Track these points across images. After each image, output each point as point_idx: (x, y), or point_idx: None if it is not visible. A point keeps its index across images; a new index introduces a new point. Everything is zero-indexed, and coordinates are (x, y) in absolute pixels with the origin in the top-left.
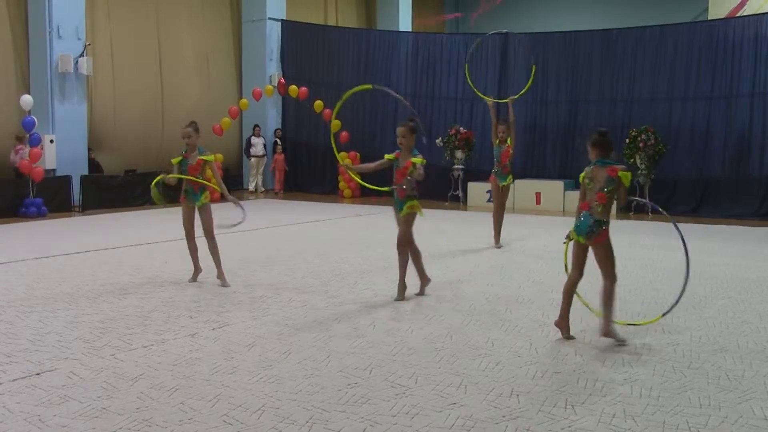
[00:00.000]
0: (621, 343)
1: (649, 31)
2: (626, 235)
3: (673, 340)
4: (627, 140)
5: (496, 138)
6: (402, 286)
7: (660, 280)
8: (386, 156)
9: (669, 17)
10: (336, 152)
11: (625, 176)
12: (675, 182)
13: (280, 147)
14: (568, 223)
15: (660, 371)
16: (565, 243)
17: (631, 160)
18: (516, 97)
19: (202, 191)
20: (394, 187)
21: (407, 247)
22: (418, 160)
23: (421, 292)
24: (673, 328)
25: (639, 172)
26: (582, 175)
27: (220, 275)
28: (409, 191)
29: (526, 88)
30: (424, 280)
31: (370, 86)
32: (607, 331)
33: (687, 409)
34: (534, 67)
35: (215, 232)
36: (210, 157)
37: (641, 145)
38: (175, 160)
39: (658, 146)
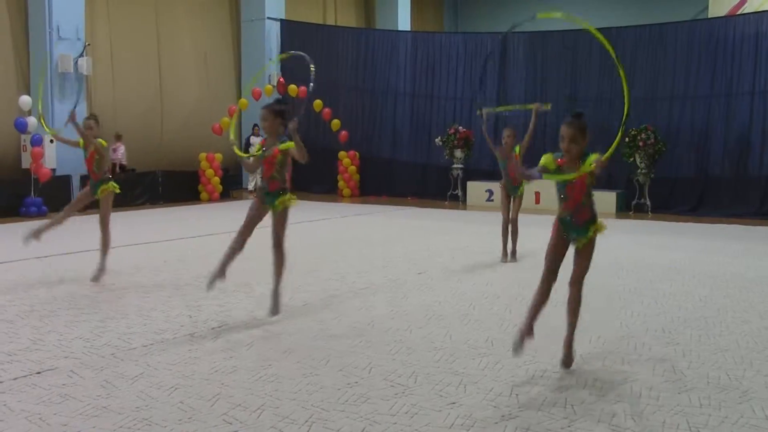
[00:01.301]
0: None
1: (649, 30)
2: (625, 235)
3: (673, 339)
4: (627, 139)
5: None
6: (276, 298)
7: (659, 279)
8: (255, 150)
9: (669, 16)
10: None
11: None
12: (675, 181)
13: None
14: None
15: (660, 371)
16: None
17: (631, 159)
18: (545, 106)
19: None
20: (263, 178)
21: (282, 250)
22: (286, 145)
23: (213, 281)
24: (674, 328)
25: (639, 171)
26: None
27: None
28: (281, 183)
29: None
30: (221, 275)
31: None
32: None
33: (687, 408)
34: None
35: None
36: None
37: (641, 144)
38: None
39: (658, 145)
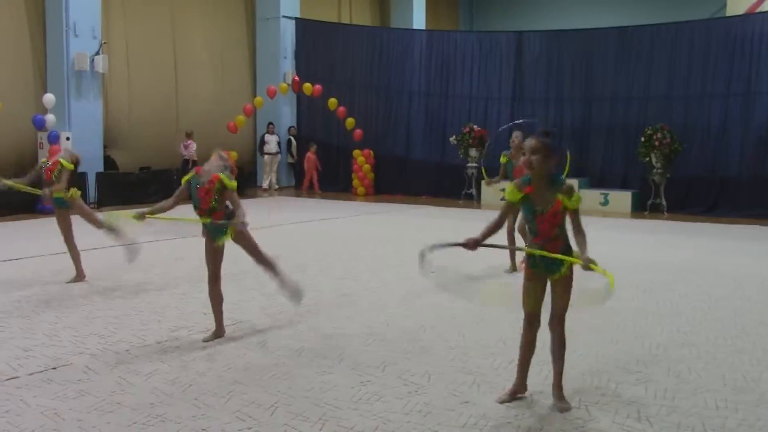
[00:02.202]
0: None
1: (665, 29)
2: (640, 235)
3: (689, 340)
4: (642, 139)
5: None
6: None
7: (675, 279)
8: (183, 179)
9: (685, 14)
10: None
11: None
12: (691, 181)
13: (314, 146)
14: (582, 222)
15: (675, 372)
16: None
17: (647, 159)
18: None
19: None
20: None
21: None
22: (227, 180)
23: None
24: (689, 329)
25: (654, 170)
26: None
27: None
28: (228, 213)
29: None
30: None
31: None
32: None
33: (703, 411)
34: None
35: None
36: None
37: (656, 143)
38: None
39: (674, 145)
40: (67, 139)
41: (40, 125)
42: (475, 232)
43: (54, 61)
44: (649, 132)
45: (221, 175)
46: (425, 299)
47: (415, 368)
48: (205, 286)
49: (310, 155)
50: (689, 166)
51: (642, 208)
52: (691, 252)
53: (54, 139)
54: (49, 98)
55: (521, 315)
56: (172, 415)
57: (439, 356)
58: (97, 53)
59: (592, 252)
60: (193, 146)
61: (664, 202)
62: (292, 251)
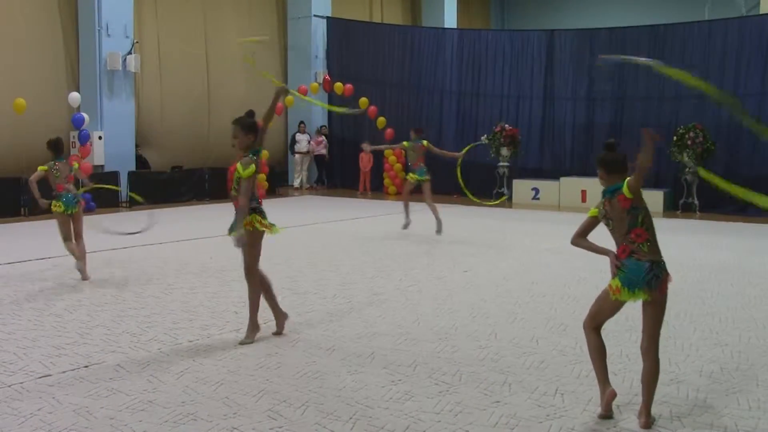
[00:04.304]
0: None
1: (698, 27)
2: (672, 234)
3: (721, 340)
4: (674, 138)
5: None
6: (253, 325)
7: (707, 279)
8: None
9: (719, 12)
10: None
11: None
12: (724, 180)
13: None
14: None
15: (707, 372)
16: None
17: (679, 158)
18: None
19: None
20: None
21: (254, 278)
22: (241, 169)
23: (279, 331)
24: (722, 329)
25: (687, 170)
26: (593, 211)
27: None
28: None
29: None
30: (280, 317)
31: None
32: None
33: (735, 411)
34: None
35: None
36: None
37: (689, 142)
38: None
39: (707, 144)
40: (100, 138)
41: (78, 124)
42: (508, 231)
43: (87, 60)
44: (681, 131)
45: (238, 165)
46: (457, 298)
47: (447, 367)
48: (236, 285)
49: (364, 155)
50: (722, 166)
51: (674, 207)
52: (724, 252)
53: (84, 138)
54: (74, 97)
55: (554, 315)
56: (203, 413)
57: (470, 355)
58: (130, 53)
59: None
60: (325, 142)
61: (696, 202)
62: (324, 250)
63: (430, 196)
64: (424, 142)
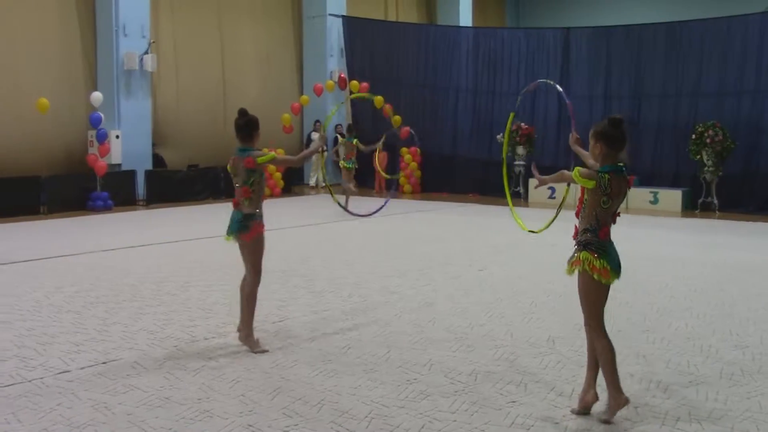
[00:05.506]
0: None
1: (716, 23)
2: (691, 234)
3: (742, 342)
4: (693, 136)
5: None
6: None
7: (727, 280)
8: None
9: (737, 8)
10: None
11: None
12: (743, 179)
13: (380, 145)
14: (629, 221)
15: (727, 374)
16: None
17: (698, 157)
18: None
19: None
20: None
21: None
22: (260, 156)
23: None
24: (742, 331)
25: (706, 168)
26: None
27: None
28: (245, 207)
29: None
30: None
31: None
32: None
33: (756, 414)
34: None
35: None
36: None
37: (708, 141)
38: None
39: (726, 142)
40: (117, 137)
41: (97, 123)
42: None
43: (104, 60)
44: (700, 129)
45: (256, 157)
46: (472, 297)
47: (462, 367)
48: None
49: (380, 155)
50: (742, 164)
51: (693, 206)
52: (744, 252)
53: (102, 137)
54: (96, 96)
55: (571, 314)
56: (219, 410)
57: (486, 355)
58: (146, 52)
59: (642, 251)
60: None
61: (715, 201)
62: (338, 249)
63: (350, 180)
64: (354, 141)
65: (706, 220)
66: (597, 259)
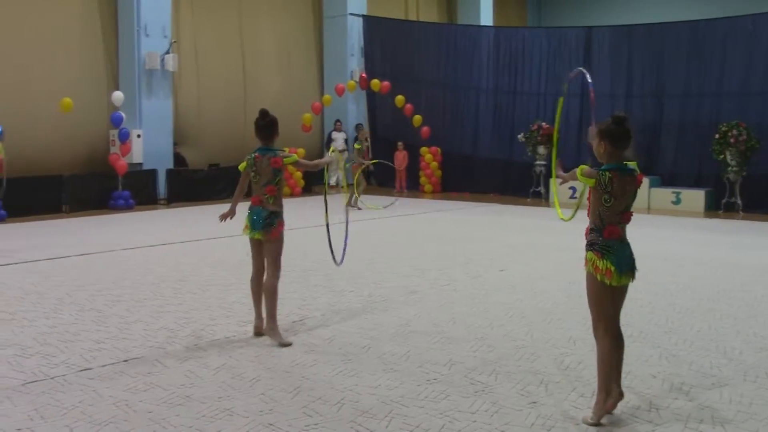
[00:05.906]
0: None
1: (740, 21)
2: (714, 235)
3: (766, 344)
4: (717, 136)
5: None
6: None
7: (751, 281)
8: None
9: (761, 5)
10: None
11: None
12: None
13: (401, 144)
14: (651, 221)
15: (752, 377)
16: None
17: (721, 157)
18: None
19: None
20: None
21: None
22: (286, 157)
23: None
24: (766, 332)
25: (729, 168)
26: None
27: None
28: (270, 205)
29: None
30: (259, 318)
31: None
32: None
33: None
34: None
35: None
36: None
37: (732, 140)
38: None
39: (750, 142)
40: (138, 136)
41: (118, 123)
42: (544, 230)
43: (126, 60)
44: (724, 129)
45: (283, 158)
46: (493, 297)
47: (482, 367)
48: None
49: (399, 154)
50: (766, 164)
51: (716, 207)
52: (766, 252)
53: (124, 136)
54: (117, 96)
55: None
56: (239, 409)
57: (506, 355)
58: (168, 52)
59: (664, 251)
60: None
61: (739, 201)
62: (359, 248)
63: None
64: (357, 146)
65: (729, 220)
66: (600, 260)
